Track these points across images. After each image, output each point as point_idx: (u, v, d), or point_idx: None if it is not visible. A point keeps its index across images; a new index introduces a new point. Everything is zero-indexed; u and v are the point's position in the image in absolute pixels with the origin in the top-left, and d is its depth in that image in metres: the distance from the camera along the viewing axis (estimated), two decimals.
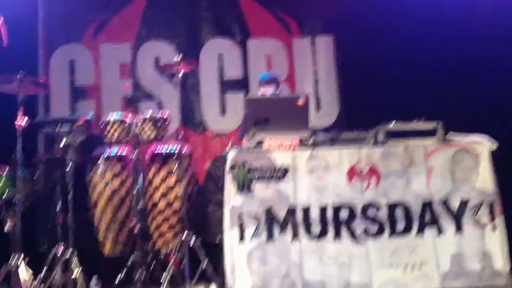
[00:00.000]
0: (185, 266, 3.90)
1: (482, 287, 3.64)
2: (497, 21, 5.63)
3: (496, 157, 3.90)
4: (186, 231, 4.02)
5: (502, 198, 3.84)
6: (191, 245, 3.96)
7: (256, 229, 3.73)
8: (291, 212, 3.78)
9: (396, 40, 5.82)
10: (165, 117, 4.39)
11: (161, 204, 4.29)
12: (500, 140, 3.96)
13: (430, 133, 3.97)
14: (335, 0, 6.07)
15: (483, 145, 3.91)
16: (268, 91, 4.86)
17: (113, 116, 4.34)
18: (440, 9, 5.81)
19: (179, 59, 4.35)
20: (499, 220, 3.79)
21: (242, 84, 5.86)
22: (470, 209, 3.80)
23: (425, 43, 5.77)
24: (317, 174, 3.85)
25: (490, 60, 5.61)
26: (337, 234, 3.77)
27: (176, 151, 4.32)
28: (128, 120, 4.32)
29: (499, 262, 3.73)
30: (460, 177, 3.84)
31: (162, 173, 4.33)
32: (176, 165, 4.28)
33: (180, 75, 4.33)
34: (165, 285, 3.77)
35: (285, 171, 3.84)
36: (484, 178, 3.83)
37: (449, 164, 3.86)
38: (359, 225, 3.79)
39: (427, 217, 3.80)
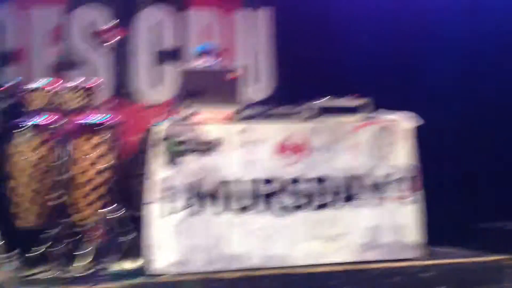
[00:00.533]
0: (109, 240, 3.86)
1: (397, 259, 3.79)
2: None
3: (419, 134, 4.05)
4: (113, 203, 3.96)
5: (422, 174, 3.99)
6: (118, 218, 3.91)
7: (184, 202, 3.74)
8: (220, 185, 3.80)
9: (336, 17, 5.88)
10: (95, 85, 4.26)
11: (88, 175, 4.20)
12: (426, 118, 4.10)
13: (359, 110, 4.06)
14: None
15: (407, 122, 4.04)
16: (204, 62, 4.80)
17: (41, 82, 4.18)
18: None
19: (112, 25, 4.22)
20: (418, 194, 3.95)
21: (177, 55, 5.78)
22: (391, 183, 3.93)
23: (362, 21, 5.86)
24: (248, 147, 3.88)
25: (423, 41, 5.76)
26: (264, 207, 3.83)
27: (106, 121, 4.22)
28: (56, 87, 4.17)
29: (412, 235, 3.89)
30: (384, 153, 3.96)
31: (91, 143, 4.23)
32: (106, 135, 4.19)
33: (113, 42, 4.21)
34: (86, 259, 3.72)
35: (216, 144, 3.85)
36: (406, 154, 3.97)
37: (374, 140, 3.97)
38: (286, 199, 3.86)
39: (350, 190, 3.91)
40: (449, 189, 5.48)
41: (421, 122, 4.06)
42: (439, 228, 4.14)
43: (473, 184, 5.43)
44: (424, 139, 4.12)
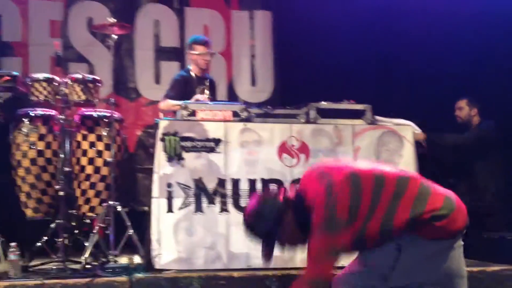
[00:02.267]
0: (110, 234, 3.85)
1: None
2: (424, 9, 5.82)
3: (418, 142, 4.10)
4: (113, 198, 3.95)
5: None
6: (117, 212, 3.90)
7: (184, 199, 3.74)
8: (221, 183, 3.81)
9: (334, 21, 5.92)
10: (96, 80, 4.25)
11: (89, 169, 4.18)
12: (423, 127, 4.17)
13: (359, 114, 4.09)
14: None
15: (408, 128, 4.08)
16: (204, 50, 4.72)
17: (42, 74, 4.15)
18: None
19: (113, 21, 4.21)
20: None
21: (178, 53, 5.78)
22: None
23: (362, 27, 5.91)
24: (249, 147, 3.89)
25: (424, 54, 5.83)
26: None
27: (107, 116, 4.21)
28: (57, 80, 4.15)
29: None
30: (385, 158, 3.99)
31: (91, 137, 4.21)
32: (106, 130, 4.17)
33: (113, 38, 4.20)
34: (88, 251, 3.70)
35: (217, 142, 3.86)
36: (407, 161, 4.01)
37: (375, 145, 4.00)
38: None
39: None
40: None
41: (420, 130, 4.11)
42: None
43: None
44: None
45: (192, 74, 4.73)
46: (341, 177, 2.35)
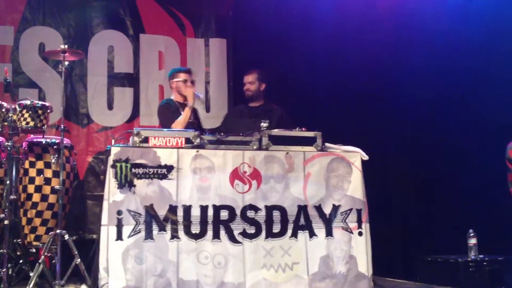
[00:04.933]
0: (56, 263, 3.75)
1: None
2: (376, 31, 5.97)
3: (366, 168, 4.19)
4: (60, 227, 3.87)
5: (369, 206, 4.12)
6: (64, 241, 3.81)
7: (134, 226, 3.70)
8: (172, 210, 3.79)
9: (289, 47, 6.03)
10: (46, 106, 4.19)
11: (36, 197, 4.09)
12: (370, 153, 4.26)
13: (310, 141, 4.17)
14: (231, 4, 6.21)
15: (356, 155, 4.17)
16: (187, 76, 4.77)
17: None
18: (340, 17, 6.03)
19: (65, 47, 4.19)
20: (365, 227, 4.07)
21: (131, 79, 5.77)
22: (340, 215, 4.04)
23: (315, 51, 6.03)
24: (201, 174, 3.90)
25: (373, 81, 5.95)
26: (216, 234, 3.83)
27: (56, 143, 4.14)
28: (5, 106, 4.07)
29: (363, 266, 3.99)
30: (334, 184, 4.07)
31: (39, 164, 4.13)
32: (55, 157, 4.11)
33: (65, 64, 4.17)
34: (33, 281, 3.59)
35: (169, 169, 3.85)
36: (355, 186, 4.09)
37: (324, 171, 4.08)
38: (237, 226, 3.88)
39: (301, 220, 3.97)
40: (393, 223, 5.65)
41: (367, 157, 4.20)
42: (386, 260, 4.25)
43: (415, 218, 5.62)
44: (370, 174, 4.27)
45: (176, 102, 4.76)
46: None
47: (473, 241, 4.77)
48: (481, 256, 4.68)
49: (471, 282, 4.32)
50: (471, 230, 4.81)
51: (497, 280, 4.51)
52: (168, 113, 4.66)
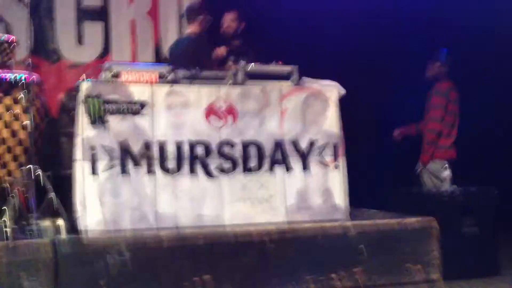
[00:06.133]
0: (30, 198, 3.71)
1: (322, 220, 3.92)
2: None
3: (342, 104, 4.18)
4: (32, 162, 3.80)
5: (345, 140, 4.14)
6: (37, 177, 3.76)
7: (109, 161, 3.66)
8: (147, 146, 3.75)
9: None
10: (10, 41, 4.02)
11: (5, 133, 3.99)
12: (348, 88, 4.25)
13: (286, 77, 4.12)
14: None
15: (332, 90, 4.15)
16: None
17: None
18: None
19: None
20: (341, 161, 4.09)
21: (101, 13, 5.57)
22: (316, 149, 4.05)
23: None
24: (175, 110, 3.84)
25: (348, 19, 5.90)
26: (192, 169, 3.82)
27: (23, 79, 4.00)
28: None
29: (339, 198, 4.04)
30: (310, 119, 4.05)
31: (6, 101, 4.00)
32: (23, 94, 3.98)
33: None
34: (7, 217, 3.56)
35: (142, 105, 3.78)
36: (331, 121, 4.08)
37: (300, 106, 4.05)
38: (213, 161, 3.87)
39: (277, 155, 3.97)
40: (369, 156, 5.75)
41: (344, 91, 4.18)
42: (361, 192, 4.34)
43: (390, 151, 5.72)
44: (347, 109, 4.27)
45: None
46: None
47: (446, 173, 4.91)
48: (454, 186, 4.83)
49: (444, 212, 4.45)
50: (445, 162, 4.96)
51: (469, 210, 4.67)
52: None
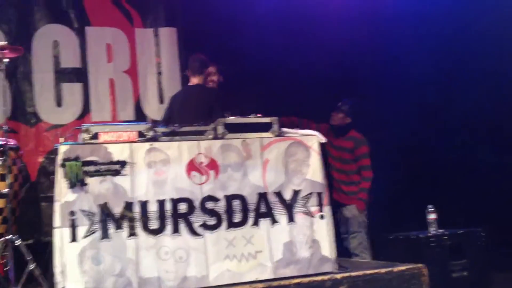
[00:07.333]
0: (9, 270, 3.60)
1: (311, 274, 3.83)
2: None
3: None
4: (10, 232, 3.70)
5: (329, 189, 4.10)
6: (16, 247, 3.65)
7: (89, 226, 3.56)
8: (128, 207, 3.67)
9: (240, 34, 5.96)
10: None
11: None
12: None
13: (266, 127, 4.10)
14: None
15: (313, 138, 4.13)
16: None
17: None
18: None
19: (4, 43, 4.00)
20: (327, 210, 4.03)
21: (79, 74, 5.57)
22: (301, 199, 3.99)
23: (269, 38, 5.99)
24: (156, 167, 3.78)
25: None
26: (175, 228, 3.74)
27: (1, 145, 3.95)
28: None
29: (326, 249, 3.96)
30: (293, 169, 4.01)
31: None
32: (0, 160, 3.92)
33: (5, 61, 3.98)
34: None
35: (122, 164, 3.72)
36: (314, 170, 4.04)
37: (283, 156, 4.01)
38: (197, 218, 3.79)
39: (262, 208, 3.91)
40: None
41: (324, 139, 4.17)
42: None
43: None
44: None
45: None
46: None
47: (432, 216, 4.85)
48: (441, 230, 4.75)
49: (432, 257, 4.38)
50: (430, 206, 4.88)
51: (458, 253, 4.60)
52: None
